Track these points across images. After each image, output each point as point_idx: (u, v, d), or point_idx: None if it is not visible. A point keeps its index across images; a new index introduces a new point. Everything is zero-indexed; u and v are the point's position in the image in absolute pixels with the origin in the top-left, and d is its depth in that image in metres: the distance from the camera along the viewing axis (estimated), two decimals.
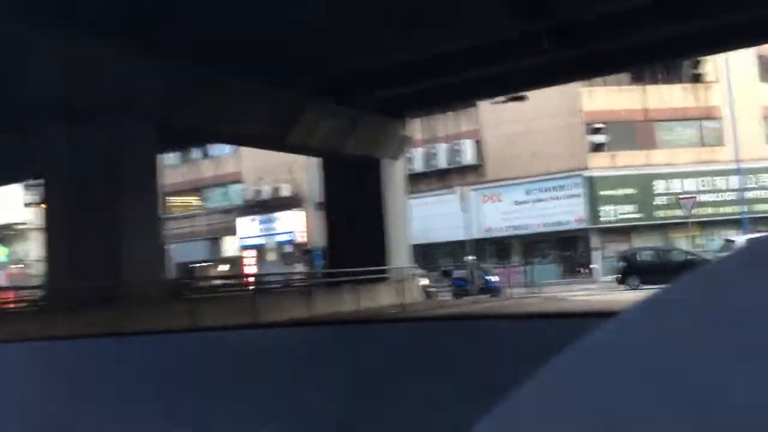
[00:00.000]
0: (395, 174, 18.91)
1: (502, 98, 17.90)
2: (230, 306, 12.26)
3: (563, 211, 29.54)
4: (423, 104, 17.76)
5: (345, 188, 18.05)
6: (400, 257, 18.69)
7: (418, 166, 32.66)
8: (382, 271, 17.87)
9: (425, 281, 22.08)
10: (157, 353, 1.24)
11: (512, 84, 16.19)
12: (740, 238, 21.54)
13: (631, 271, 22.58)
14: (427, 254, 31.40)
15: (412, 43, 13.77)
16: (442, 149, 32.37)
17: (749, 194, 29.26)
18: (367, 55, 14.39)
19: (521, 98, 17.00)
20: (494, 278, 22.43)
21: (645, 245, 26.66)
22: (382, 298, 16.17)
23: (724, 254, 0.41)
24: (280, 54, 13.22)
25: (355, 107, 16.53)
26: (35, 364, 1.30)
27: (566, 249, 30.35)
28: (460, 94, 16.98)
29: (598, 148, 29.86)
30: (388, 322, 1.81)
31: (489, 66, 14.86)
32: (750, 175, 29.66)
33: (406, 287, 18.22)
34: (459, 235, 30.16)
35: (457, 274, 22.66)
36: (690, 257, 22.90)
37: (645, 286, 21.19)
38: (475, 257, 24.35)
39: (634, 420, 0.30)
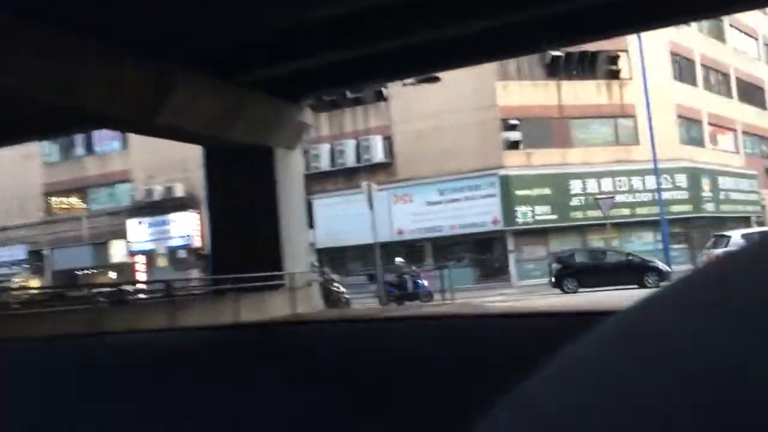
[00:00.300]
0: (292, 166, 16.58)
1: (412, 80, 15.83)
2: (55, 323, 9.59)
3: (478, 212, 27.91)
4: (322, 85, 15.49)
5: (232, 181, 15.58)
6: (297, 261, 16.37)
7: (325, 164, 30.44)
8: (277, 277, 15.54)
9: (341, 288, 20.15)
10: (154, 351, 1.24)
11: (423, 61, 14.17)
12: (736, 234, 20.73)
13: (567, 273, 21.24)
14: (334, 259, 29.21)
15: (305, 5, 11.56)
16: (349, 146, 30.23)
17: (665, 195, 28.39)
18: (253, 20, 12.08)
19: (434, 79, 15.00)
20: (425, 282, 21.07)
21: (574, 247, 25.44)
22: (273, 308, 13.80)
23: (721, 251, 0.42)
24: (143, 13, 10.72)
25: (242, 85, 14.12)
26: (27, 363, 1.30)
27: (482, 252, 28.76)
28: (364, 73, 14.84)
29: (513, 145, 28.42)
30: (385, 321, 1.64)
31: (397, 37, 12.81)
32: (665, 176, 28.85)
33: (303, 295, 15.95)
34: (369, 238, 28.22)
35: (386, 278, 21.14)
36: (630, 258, 22.10)
37: (582, 290, 20.44)
38: (403, 260, 22.61)
39: (635, 419, 0.30)
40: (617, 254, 22.78)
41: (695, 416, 0.28)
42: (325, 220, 30.20)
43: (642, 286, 20.43)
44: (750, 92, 38.44)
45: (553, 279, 21.46)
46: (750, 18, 39.00)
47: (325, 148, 30.51)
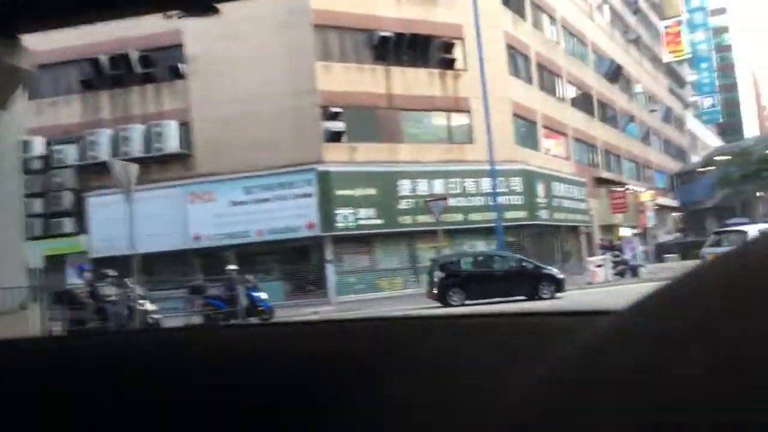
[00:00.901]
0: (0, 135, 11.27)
1: (178, 12, 11.22)
2: None
3: (292, 214, 23.58)
4: (42, 8, 10.46)
5: None
6: (7, 273, 11.13)
7: (104, 153, 24.73)
8: None
9: (149, 305, 16.12)
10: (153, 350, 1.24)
11: None
12: (753, 229, 19.33)
13: (453, 283, 18.34)
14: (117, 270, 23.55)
15: None
16: (137, 132, 24.80)
17: (499, 199, 25.60)
18: None
19: (210, 10, 10.48)
20: (263, 295, 17.40)
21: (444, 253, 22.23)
22: None
23: (722, 250, 0.42)
24: None
25: None
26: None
27: (295, 262, 24.41)
28: None
29: (335, 137, 24.38)
30: (378, 320, 1.44)
31: None
32: (500, 178, 26.09)
33: (11, 323, 10.76)
34: (161, 244, 23.07)
35: (211, 291, 17.98)
36: (523, 265, 20.02)
37: (469, 302, 17.59)
38: (236, 268, 18.32)
39: (635, 418, 0.30)
40: (507, 260, 20.44)
41: (695, 415, 0.28)
42: (103, 223, 24.46)
43: (536, 296, 17.54)
44: (579, 98, 37.39)
45: (434, 290, 18.40)
46: (582, 23, 38.07)
47: (105, 134, 24.91)
